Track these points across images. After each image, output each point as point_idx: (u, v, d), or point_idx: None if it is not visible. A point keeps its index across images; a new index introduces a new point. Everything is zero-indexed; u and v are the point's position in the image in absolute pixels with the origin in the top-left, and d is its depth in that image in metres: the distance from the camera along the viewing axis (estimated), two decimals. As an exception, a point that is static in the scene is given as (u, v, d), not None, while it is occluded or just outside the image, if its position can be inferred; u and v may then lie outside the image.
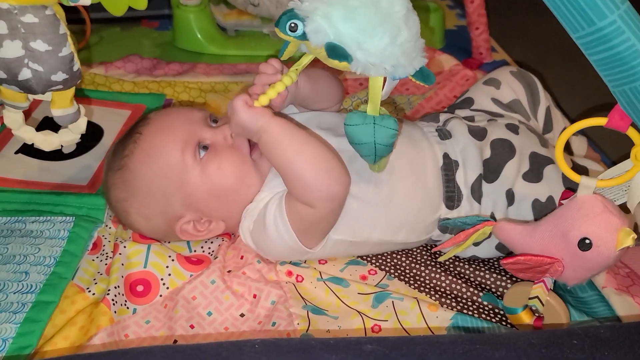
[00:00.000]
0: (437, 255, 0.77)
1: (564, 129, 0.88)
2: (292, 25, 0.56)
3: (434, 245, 0.78)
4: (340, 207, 0.68)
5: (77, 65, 0.60)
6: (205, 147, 0.70)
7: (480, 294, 0.71)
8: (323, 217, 0.67)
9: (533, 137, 0.79)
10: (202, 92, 1.09)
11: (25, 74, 0.56)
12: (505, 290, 0.72)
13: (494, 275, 0.74)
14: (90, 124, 0.96)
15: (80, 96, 1.02)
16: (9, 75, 0.56)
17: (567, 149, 0.92)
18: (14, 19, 0.53)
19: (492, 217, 0.74)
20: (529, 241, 0.63)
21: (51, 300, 0.64)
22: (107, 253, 0.74)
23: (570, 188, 0.70)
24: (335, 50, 0.56)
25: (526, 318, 0.65)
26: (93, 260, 0.73)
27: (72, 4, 0.57)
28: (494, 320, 0.68)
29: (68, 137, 0.68)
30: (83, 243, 0.72)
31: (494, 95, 0.86)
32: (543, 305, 0.63)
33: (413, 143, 0.75)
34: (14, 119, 0.65)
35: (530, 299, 0.64)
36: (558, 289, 0.70)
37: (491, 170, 0.74)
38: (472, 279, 0.74)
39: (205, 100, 1.07)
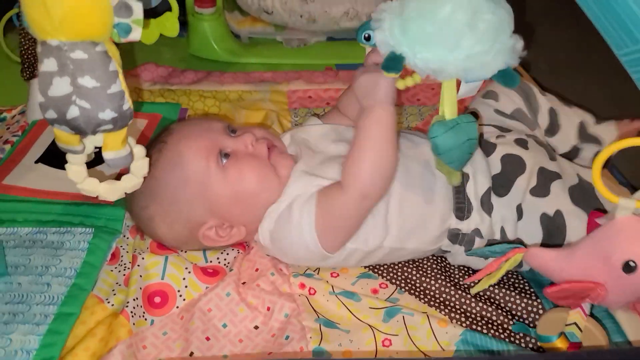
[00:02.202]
0: (445, 270, 0.78)
1: (581, 123, 0.90)
2: (367, 35, 0.63)
3: (443, 257, 0.80)
4: (365, 211, 0.70)
5: (127, 104, 0.57)
6: (226, 155, 0.72)
7: (490, 309, 0.72)
8: (349, 213, 0.69)
9: (542, 150, 0.80)
10: (216, 101, 1.11)
11: (73, 112, 0.54)
12: (508, 301, 0.73)
13: (503, 290, 0.75)
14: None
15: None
16: (59, 114, 0.54)
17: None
18: (64, 55, 0.52)
19: (503, 231, 0.75)
20: (566, 267, 0.61)
21: (72, 312, 0.66)
22: (125, 264, 0.76)
23: (598, 209, 0.70)
24: (388, 62, 0.61)
25: (562, 345, 0.65)
26: (112, 270, 0.75)
27: (123, 41, 0.56)
28: (502, 336, 0.69)
29: (132, 183, 0.65)
30: (102, 254, 0.74)
31: (496, 107, 0.87)
32: (581, 331, 0.63)
33: (424, 155, 0.77)
34: (75, 171, 0.63)
35: (567, 325, 0.64)
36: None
37: (501, 185, 0.76)
38: (481, 294, 0.75)
39: (220, 109, 1.09)
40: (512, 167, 0.76)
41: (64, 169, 0.88)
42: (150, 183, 0.71)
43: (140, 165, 0.64)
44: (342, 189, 0.68)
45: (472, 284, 0.73)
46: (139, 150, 0.64)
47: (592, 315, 0.65)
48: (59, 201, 0.82)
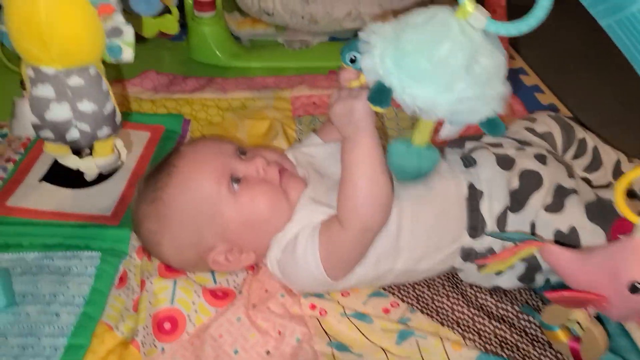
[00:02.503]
0: (457, 287, 0.77)
1: (617, 161, 0.89)
2: (352, 57, 0.61)
3: (456, 275, 0.79)
4: (369, 241, 0.69)
5: (119, 116, 0.62)
6: (238, 180, 0.71)
7: (504, 327, 0.72)
8: (352, 246, 0.68)
9: (561, 167, 0.78)
10: (219, 110, 1.09)
11: (73, 135, 0.58)
12: (521, 319, 0.72)
13: (516, 308, 0.74)
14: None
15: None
16: (57, 135, 0.58)
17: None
18: (61, 82, 0.54)
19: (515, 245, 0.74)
20: (576, 270, 0.62)
21: (83, 344, 0.65)
22: (132, 287, 0.75)
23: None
24: (376, 94, 0.59)
25: (563, 337, 0.66)
26: (120, 295, 0.74)
27: (113, 61, 0.57)
28: (518, 356, 0.68)
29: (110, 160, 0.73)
30: (110, 279, 0.73)
31: (528, 126, 0.86)
32: (583, 330, 0.63)
33: (436, 172, 0.75)
34: (58, 150, 0.69)
35: (569, 320, 0.64)
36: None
37: (517, 201, 0.74)
38: (494, 312, 0.74)
39: (223, 119, 1.07)
40: (529, 183, 0.75)
41: (69, 187, 0.88)
42: (159, 207, 0.71)
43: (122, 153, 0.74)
44: (342, 226, 0.67)
45: (472, 292, 0.73)
46: (120, 142, 0.73)
47: (597, 316, 0.65)
48: (65, 223, 0.81)
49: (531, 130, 0.85)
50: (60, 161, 0.71)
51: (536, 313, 0.71)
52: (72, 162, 0.69)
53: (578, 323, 0.64)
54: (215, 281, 0.76)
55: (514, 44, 1.32)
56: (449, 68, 0.56)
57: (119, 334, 0.69)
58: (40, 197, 0.86)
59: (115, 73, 1.19)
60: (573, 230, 0.72)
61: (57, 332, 0.66)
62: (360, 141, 0.65)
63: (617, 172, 0.89)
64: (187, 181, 0.71)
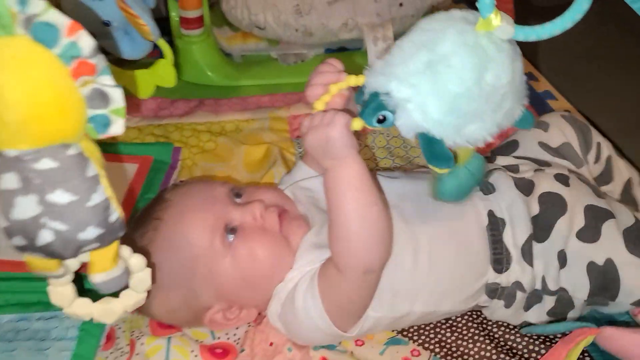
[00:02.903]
0: (483, 327, 0.69)
1: (629, 180, 0.81)
2: (381, 117, 0.51)
3: (480, 313, 0.71)
4: (374, 282, 0.61)
5: (115, 214, 0.45)
6: (233, 229, 0.63)
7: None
8: (354, 292, 0.60)
9: (585, 188, 0.71)
10: (212, 136, 1.01)
11: (45, 237, 0.42)
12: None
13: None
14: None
15: (82, 150, 0.95)
16: (27, 240, 0.43)
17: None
18: (26, 167, 0.41)
19: (543, 281, 0.66)
20: None
21: None
22: (122, 348, 0.67)
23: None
24: (432, 151, 0.51)
25: None
26: (106, 357, 0.66)
27: (100, 137, 0.44)
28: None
29: (133, 301, 0.53)
30: (95, 342, 0.65)
31: (541, 139, 0.78)
32: None
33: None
34: (60, 293, 0.51)
35: None
36: None
37: (540, 228, 0.67)
38: (525, 355, 0.66)
39: (216, 145, 0.99)
40: (552, 208, 0.68)
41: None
42: None
43: (141, 278, 0.53)
44: (339, 271, 0.59)
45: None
46: (138, 261, 0.52)
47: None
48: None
49: (545, 147, 0.78)
50: (67, 312, 0.53)
51: None
52: (82, 310, 0.52)
53: None
54: (213, 336, 0.68)
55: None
56: (499, 92, 0.50)
57: (107, 406, 0.61)
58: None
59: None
60: (609, 263, 0.65)
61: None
62: (342, 172, 0.57)
63: (626, 192, 0.81)
64: (175, 237, 0.63)
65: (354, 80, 0.57)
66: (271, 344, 0.67)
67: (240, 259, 0.63)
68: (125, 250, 0.51)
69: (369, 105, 0.51)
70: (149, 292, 0.62)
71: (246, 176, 0.93)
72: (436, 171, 0.53)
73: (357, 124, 0.55)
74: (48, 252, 0.44)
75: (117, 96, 0.43)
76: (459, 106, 0.49)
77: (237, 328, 0.68)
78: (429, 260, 0.65)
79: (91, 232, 0.44)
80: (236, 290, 0.64)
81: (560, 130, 0.78)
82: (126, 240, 0.64)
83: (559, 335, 0.67)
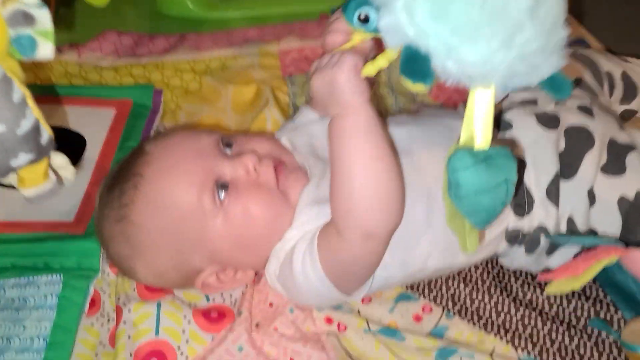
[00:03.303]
0: (500, 279, 0.64)
1: None
2: (363, 15, 0.45)
3: (496, 262, 0.66)
4: (379, 249, 0.55)
5: (46, 134, 0.47)
6: (224, 186, 0.57)
7: (560, 328, 0.59)
8: (356, 256, 0.55)
9: (610, 118, 0.66)
10: (195, 75, 0.93)
11: None
12: (581, 317, 0.60)
13: (573, 302, 0.62)
14: (68, 133, 0.81)
15: (51, 94, 0.86)
16: None
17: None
18: None
19: (571, 222, 0.61)
20: None
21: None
22: (108, 313, 0.62)
23: None
24: (410, 66, 0.42)
25: None
26: (92, 324, 0.61)
27: (28, 59, 0.41)
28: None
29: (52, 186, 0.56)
30: (77, 310, 0.60)
31: None
32: None
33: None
34: None
35: None
36: None
37: (567, 165, 0.62)
38: (546, 309, 0.62)
39: (201, 85, 0.91)
40: (579, 141, 0.62)
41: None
42: (127, 229, 0.57)
43: (66, 174, 0.56)
44: (339, 234, 0.53)
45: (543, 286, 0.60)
46: (61, 160, 0.55)
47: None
48: (17, 236, 0.66)
49: None
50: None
51: (611, 329, 0.58)
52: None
53: None
54: (208, 298, 0.62)
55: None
56: (511, 14, 0.41)
57: (94, 378, 0.56)
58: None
59: (67, 35, 1.00)
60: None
61: (15, 391, 0.53)
62: (348, 121, 0.50)
63: None
64: (158, 196, 0.56)
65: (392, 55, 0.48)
66: (271, 305, 0.62)
67: (234, 219, 0.56)
68: (54, 156, 0.53)
69: (351, 1, 0.45)
70: (133, 255, 0.57)
71: (235, 120, 0.86)
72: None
73: (371, 68, 0.47)
74: None
75: (43, 17, 0.41)
76: (454, 12, 0.40)
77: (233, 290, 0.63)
78: (443, 212, 0.59)
79: (22, 158, 0.46)
80: (230, 252, 0.58)
81: (570, 67, 0.71)
82: (103, 197, 0.58)
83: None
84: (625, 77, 0.75)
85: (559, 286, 0.53)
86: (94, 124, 0.83)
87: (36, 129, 0.45)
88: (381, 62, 0.47)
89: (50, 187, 0.52)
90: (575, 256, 0.62)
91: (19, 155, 0.44)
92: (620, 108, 0.75)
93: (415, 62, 0.42)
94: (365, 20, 0.45)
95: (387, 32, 0.43)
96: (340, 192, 0.52)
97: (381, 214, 0.52)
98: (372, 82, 0.54)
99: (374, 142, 0.51)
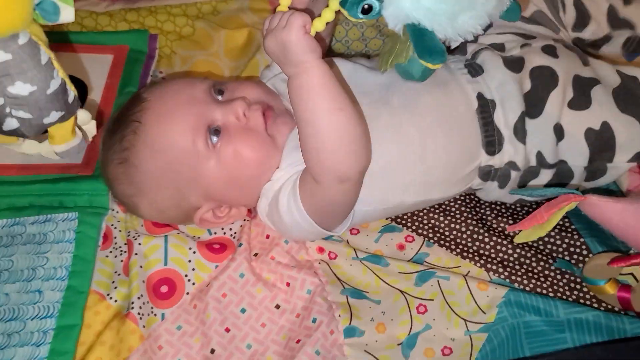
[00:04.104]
0: (476, 211, 0.71)
1: (610, 6, 0.74)
2: (366, 7, 0.47)
3: (473, 197, 0.72)
4: (354, 189, 0.61)
5: (72, 93, 0.50)
6: (216, 131, 0.61)
7: (528, 254, 0.66)
8: (334, 198, 0.60)
9: (573, 56, 0.69)
10: (188, 20, 0.94)
11: (11, 124, 0.46)
12: (547, 242, 0.67)
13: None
14: (70, 79, 0.84)
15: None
16: None
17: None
18: None
19: (540, 156, 0.66)
20: (633, 223, 0.55)
21: (74, 324, 0.59)
22: (120, 247, 0.68)
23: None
24: (424, 45, 0.47)
25: (610, 289, 0.60)
26: (107, 256, 0.67)
27: (50, 24, 0.44)
28: (546, 288, 0.63)
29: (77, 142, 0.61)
30: (93, 243, 0.66)
31: None
32: (638, 281, 0.58)
33: (440, 86, 0.65)
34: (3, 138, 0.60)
35: (622, 274, 0.59)
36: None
37: (533, 105, 0.66)
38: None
39: (194, 29, 0.93)
40: (543, 81, 0.66)
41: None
42: (129, 170, 0.62)
43: (88, 129, 0.62)
44: (315, 181, 0.58)
45: (513, 233, 0.66)
46: (84, 116, 0.60)
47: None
48: (33, 178, 0.71)
49: (521, 18, 0.73)
50: (17, 150, 0.63)
51: (574, 267, 0.64)
52: (29, 148, 0.60)
53: (632, 274, 0.58)
54: (210, 232, 0.68)
55: None
56: None
57: (112, 302, 0.63)
58: (1, 149, 0.75)
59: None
60: (605, 125, 0.65)
61: (42, 313, 0.59)
62: (303, 80, 0.55)
63: (614, 19, 0.75)
64: (156, 140, 0.61)
65: (334, 5, 0.51)
66: (267, 237, 0.68)
67: (226, 161, 0.61)
68: (81, 113, 0.58)
69: None
70: (136, 193, 0.63)
71: (229, 64, 0.89)
72: (428, 66, 0.50)
73: (318, 24, 0.51)
74: (14, 134, 0.50)
75: None
76: None
77: (232, 222, 0.69)
78: (418, 151, 0.64)
79: (54, 116, 0.50)
80: (223, 190, 0.63)
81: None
82: (106, 142, 0.63)
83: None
84: (577, 3, 0.75)
85: (526, 235, 0.59)
86: (94, 70, 0.85)
87: (64, 89, 0.48)
88: (327, 15, 0.51)
89: (77, 142, 0.56)
90: (539, 204, 0.67)
91: (50, 114, 0.48)
92: (571, 35, 0.76)
93: (425, 39, 0.46)
94: (368, 11, 0.48)
95: (391, 19, 0.47)
96: (308, 145, 0.57)
97: (349, 159, 0.57)
98: (321, 38, 0.57)
99: (330, 95, 0.55)
